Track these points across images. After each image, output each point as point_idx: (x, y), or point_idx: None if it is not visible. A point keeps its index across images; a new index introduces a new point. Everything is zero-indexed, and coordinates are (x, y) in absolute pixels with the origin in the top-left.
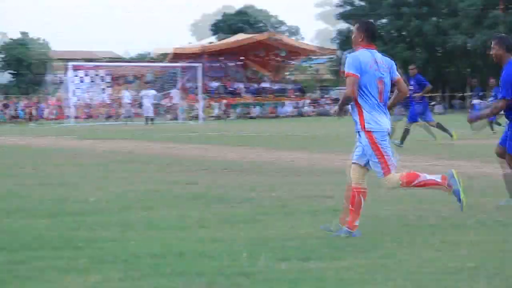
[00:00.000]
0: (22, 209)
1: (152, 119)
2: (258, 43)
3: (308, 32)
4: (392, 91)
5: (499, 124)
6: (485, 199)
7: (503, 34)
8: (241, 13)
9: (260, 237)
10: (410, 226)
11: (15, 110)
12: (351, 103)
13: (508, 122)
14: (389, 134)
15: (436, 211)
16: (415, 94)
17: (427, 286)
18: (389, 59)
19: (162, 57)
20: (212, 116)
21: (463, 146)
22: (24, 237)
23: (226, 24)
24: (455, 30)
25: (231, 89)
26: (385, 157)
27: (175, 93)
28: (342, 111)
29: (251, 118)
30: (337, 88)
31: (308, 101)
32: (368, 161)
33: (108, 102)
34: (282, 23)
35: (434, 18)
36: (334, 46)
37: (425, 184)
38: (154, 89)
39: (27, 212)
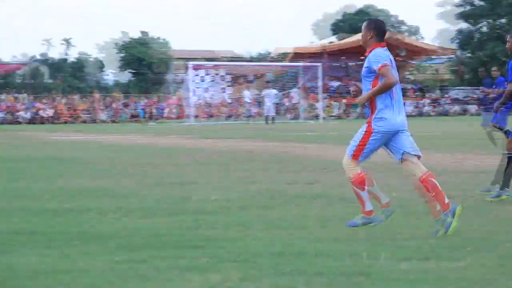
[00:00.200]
0: (143, 208)
1: (273, 118)
2: None
3: (429, 32)
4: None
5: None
6: None
7: None
8: (362, 12)
9: (380, 237)
10: None
11: (135, 109)
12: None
13: None
14: (397, 132)
15: None
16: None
17: None
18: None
19: (283, 56)
20: (333, 116)
21: None
22: (145, 236)
23: (346, 24)
24: None
25: (351, 88)
26: (365, 147)
27: (295, 93)
28: (366, 102)
29: None
30: (456, 88)
31: (428, 101)
32: (413, 148)
33: (229, 101)
34: (402, 22)
35: None
36: (453, 46)
37: (357, 196)
38: (275, 89)
39: (147, 211)
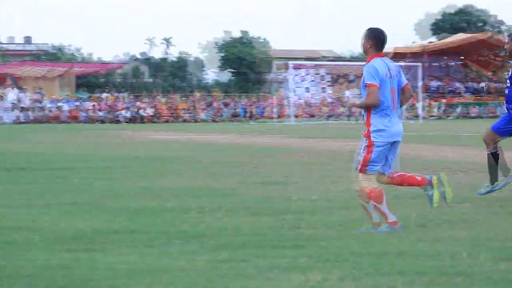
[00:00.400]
0: (244, 207)
1: None
2: (479, 43)
3: None
4: None
5: None
6: None
7: None
8: (461, 12)
9: (480, 237)
10: None
11: (235, 108)
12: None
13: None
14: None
15: None
16: None
17: None
18: (397, 64)
19: None
20: (433, 116)
21: None
22: (246, 235)
23: (446, 24)
24: None
25: (451, 88)
26: (370, 161)
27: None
28: (351, 107)
29: (471, 118)
30: None
31: None
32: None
33: (330, 101)
34: (501, 22)
35: None
36: None
37: (376, 209)
38: None
39: (249, 210)
